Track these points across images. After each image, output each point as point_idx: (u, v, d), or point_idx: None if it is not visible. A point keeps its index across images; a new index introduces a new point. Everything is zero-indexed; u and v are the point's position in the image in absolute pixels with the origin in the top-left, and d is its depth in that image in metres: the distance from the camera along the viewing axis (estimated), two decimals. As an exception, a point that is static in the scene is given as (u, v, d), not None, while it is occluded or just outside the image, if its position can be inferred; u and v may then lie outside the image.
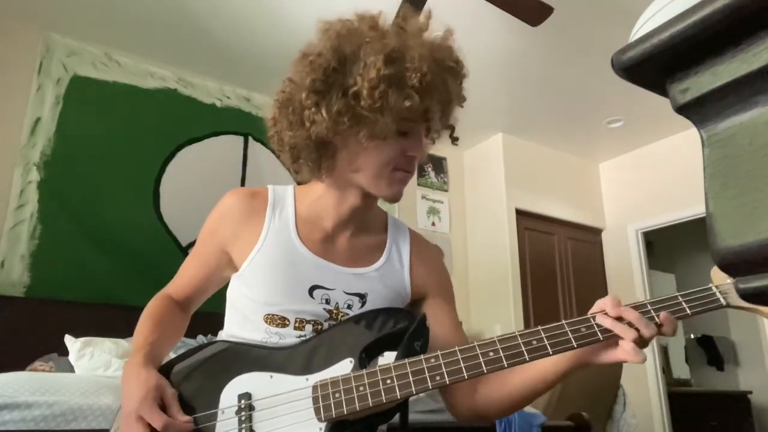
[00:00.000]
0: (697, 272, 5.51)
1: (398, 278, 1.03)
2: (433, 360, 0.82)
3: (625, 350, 0.80)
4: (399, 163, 0.93)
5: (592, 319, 0.82)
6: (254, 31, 3.23)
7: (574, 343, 0.81)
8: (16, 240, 2.85)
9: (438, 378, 0.81)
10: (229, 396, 0.87)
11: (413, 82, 0.85)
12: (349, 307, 0.97)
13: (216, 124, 3.61)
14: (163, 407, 0.83)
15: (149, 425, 0.80)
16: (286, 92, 0.93)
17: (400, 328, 0.88)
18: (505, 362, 0.81)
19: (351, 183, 0.97)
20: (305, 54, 0.91)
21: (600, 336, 0.81)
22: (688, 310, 0.81)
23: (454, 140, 1.00)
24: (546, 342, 0.81)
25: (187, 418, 0.83)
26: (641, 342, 0.80)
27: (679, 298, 0.82)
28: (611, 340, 0.82)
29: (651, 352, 4.30)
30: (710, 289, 0.81)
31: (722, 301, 0.79)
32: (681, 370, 5.54)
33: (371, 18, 0.91)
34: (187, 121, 3.50)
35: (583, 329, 0.82)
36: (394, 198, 0.96)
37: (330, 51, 0.88)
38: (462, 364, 0.81)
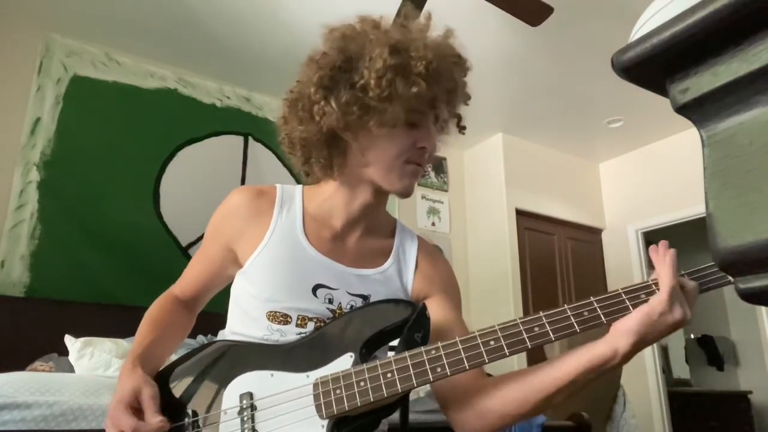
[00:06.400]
0: (697, 272, 5.49)
1: (402, 283, 1.03)
2: (433, 351, 0.81)
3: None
4: (410, 155, 0.94)
5: (594, 302, 0.80)
6: (254, 31, 3.23)
7: (577, 328, 0.79)
8: (16, 240, 2.85)
9: (439, 370, 0.80)
10: (232, 396, 0.87)
11: (419, 70, 0.87)
12: (352, 308, 0.96)
13: (216, 124, 3.60)
14: (142, 409, 0.84)
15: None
16: (295, 92, 0.95)
17: (400, 319, 0.87)
18: (506, 350, 0.79)
19: (362, 179, 0.97)
20: (312, 57, 0.93)
21: (603, 319, 0.79)
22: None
23: (462, 129, 1.01)
24: (548, 328, 0.79)
25: (159, 418, 0.82)
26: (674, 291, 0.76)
27: (686, 276, 0.80)
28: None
29: (651, 352, 4.30)
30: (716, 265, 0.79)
31: (730, 276, 0.77)
32: (681, 370, 5.54)
33: (373, 20, 0.94)
34: (187, 121, 3.50)
35: (586, 313, 0.80)
36: (405, 192, 0.96)
37: (335, 51, 0.90)
38: (463, 355, 0.80)
